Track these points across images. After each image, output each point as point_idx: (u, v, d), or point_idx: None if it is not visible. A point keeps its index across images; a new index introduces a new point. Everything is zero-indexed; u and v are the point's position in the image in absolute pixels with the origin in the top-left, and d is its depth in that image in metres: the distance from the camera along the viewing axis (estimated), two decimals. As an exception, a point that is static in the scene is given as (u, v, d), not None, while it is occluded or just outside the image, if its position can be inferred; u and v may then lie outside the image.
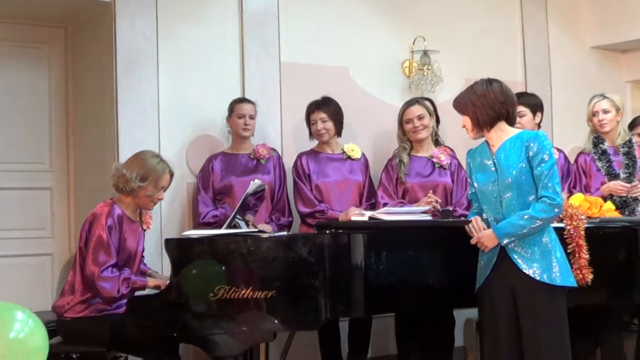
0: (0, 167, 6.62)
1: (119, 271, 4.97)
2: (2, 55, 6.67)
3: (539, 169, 4.47)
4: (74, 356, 4.96)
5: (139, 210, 5.27)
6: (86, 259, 4.94)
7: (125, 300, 4.94)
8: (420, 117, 6.15)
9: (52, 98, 6.85)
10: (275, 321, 4.64)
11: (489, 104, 4.55)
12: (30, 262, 6.66)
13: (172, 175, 5.27)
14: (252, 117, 6.23)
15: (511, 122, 4.70)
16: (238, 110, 6.21)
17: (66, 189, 6.85)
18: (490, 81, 4.63)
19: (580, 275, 4.85)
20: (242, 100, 6.28)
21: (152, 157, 5.21)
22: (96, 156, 6.46)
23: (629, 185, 6.12)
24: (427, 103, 6.29)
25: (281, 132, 6.72)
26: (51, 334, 5.36)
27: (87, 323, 4.98)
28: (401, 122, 6.24)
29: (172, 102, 6.33)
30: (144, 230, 5.33)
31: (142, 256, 5.45)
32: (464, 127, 4.72)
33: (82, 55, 6.80)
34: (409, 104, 6.25)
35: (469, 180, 4.98)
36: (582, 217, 5.08)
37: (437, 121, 6.37)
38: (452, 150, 6.39)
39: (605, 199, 5.92)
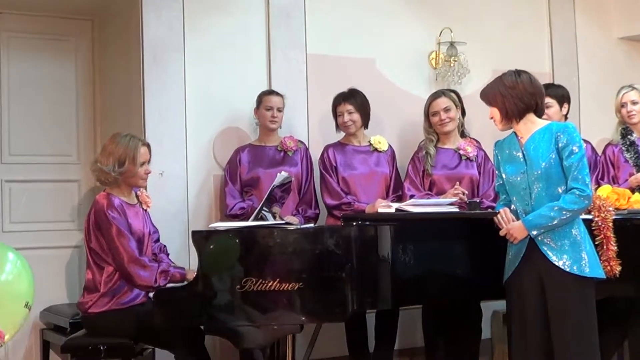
0: (29, 159, 6.65)
1: (156, 262, 5.00)
2: (30, 48, 6.69)
3: (568, 160, 4.46)
4: (101, 348, 4.98)
5: (133, 193, 5.28)
6: (117, 256, 4.95)
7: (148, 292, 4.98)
8: (446, 110, 6.13)
9: (79, 90, 6.87)
10: (302, 313, 4.64)
11: (518, 95, 4.54)
12: (59, 255, 6.68)
13: (148, 146, 5.27)
14: (279, 110, 6.22)
15: (539, 114, 4.68)
16: (266, 102, 6.21)
17: (93, 182, 6.86)
18: (519, 72, 4.62)
19: (609, 267, 4.82)
20: (271, 92, 6.28)
21: (121, 139, 5.20)
22: (123, 148, 6.48)
23: (657, 176, 6.09)
24: (453, 95, 6.27)
25: (307, 124, 6.71)
26: (79, 325, 5.42)
27: (112, 316, 5.00)
28: (427, 114, 6.22)
29: (198, 94, 6.34)
30: (146, 211, 5.33)
31: (163, 247, 5.47)
32: (491, 118, 4.71)
33: (109, 47, 6.82)
34: (435, 96, 6.23)
35: (496, 172, 4.97)
36: (610, 208, 5.04)
37: (463, 113, 6.34)
38: (477, 142, 6.37)
39: (633, 190, 5.88)
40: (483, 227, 4.82)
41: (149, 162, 5.28)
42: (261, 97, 6.23)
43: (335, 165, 6.22)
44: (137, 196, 5.32)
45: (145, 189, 5.41)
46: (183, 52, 6.30)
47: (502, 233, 4.65)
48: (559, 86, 6.55)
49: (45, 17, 6.71)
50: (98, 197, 5.15)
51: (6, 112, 6.58)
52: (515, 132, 4.69)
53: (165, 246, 5.53)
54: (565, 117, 6.33)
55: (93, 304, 5.03)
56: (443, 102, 6.15)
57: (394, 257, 4.82)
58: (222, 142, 6.41)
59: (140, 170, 5.16)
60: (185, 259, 5.80)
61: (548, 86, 6.30)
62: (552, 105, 6.20)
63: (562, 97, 6.36)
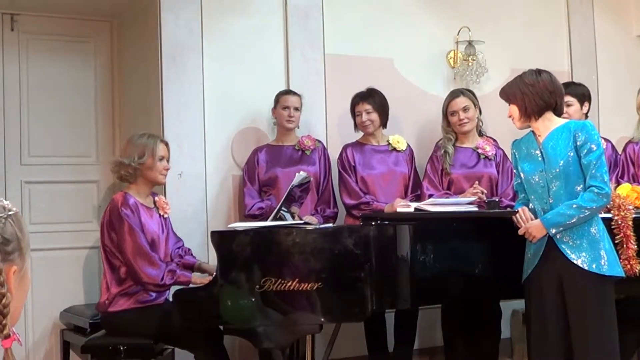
0: (48, 160, 6.67)
1: (165, 262, 5.02)
2: (49, 50, 6.71)
3: (587, 158, 4.46)
4: (121, 348, 5.00)
5: (152, 197, 5.31)
6: (125, 251, 4.98)
7: (167, 291, 4.99)
8: (465, 109, 6.11)
9: (98, 92, 6.89)
10: (321, 313, 4.64)
11: (538, 93, 4.54)
12: (79, 255, 6.70)
13: (166, 144, 5.39)
14: (297, 109, 6.23)
15: (558, 113, 4.68)
16: (283, 101, 6.21)
17: (112, 182, 6.89)
18: (539, 71, 4.63)
19: (628, 266, 4.81)
20: (288, 92, 6.28)
21: (139, 137, 5.35)
22: (142, 149, 6.50)
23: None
24: (471, 94, 6.26)
25: (326, 124, 6.71)
26: (99, 326, 5.44)
27: (131, 315, 5.02)
28: (446, 113, 6.21)
29: (216, 95, 6.35)
30: (162, 217, 5.35)
31: (188, 250, 5.49)
32: (510, 116, 4.71)
33: (128, 48, 6.84)
34: (453, 95, 6.21)
35: (514, 170, 4.96)
36: (630, 207, 5.04)
37: (479, 111, 6.34)
38: (495, 140, 6.36)
39: (653, 188, 5.86)
40: (502, 226, 4.82)
41: (167, 160, 5.35)
42: (278, 97, 6.24)
43: (353, 164, 6.22)
44: (154, 202, 5.34)
45: (165, 195, 5.44)
46: (201, 53, 6.31)
47: (520, 232, 4.65)
48: (580, 85, 6.52)
49: (64, 18, 6.74)
50: (115, 195, 5.22)
51: (25, 113, 6.61)
52: (533, 131, 4.69)
53: (189, 249, 5.57)
54: (586, 115, 6.30)
55: (110, 303, 5.06)
56: (462, 101, 6.14)
57: (413, 256, 4.81)
58: (241, 143, 6.42)
59: (159, 164, 5.23)
60: (204, 259, 5.80)
61: (569, 85, 6.29)
62: (572, 103, 6.17)
63: (583, 95, 6.33)
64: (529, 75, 4.61)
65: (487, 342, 5.96)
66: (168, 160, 5.38)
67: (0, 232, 1.80)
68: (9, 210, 1.86)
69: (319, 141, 6.42)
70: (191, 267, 5.41)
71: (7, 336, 1.78)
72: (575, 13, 7.87)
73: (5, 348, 1.78)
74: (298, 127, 6.34)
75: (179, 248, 5.49)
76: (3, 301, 1.77)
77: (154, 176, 5.26)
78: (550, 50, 7.66)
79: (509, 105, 4.68)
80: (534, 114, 4.58)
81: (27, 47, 6.65)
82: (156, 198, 5.37)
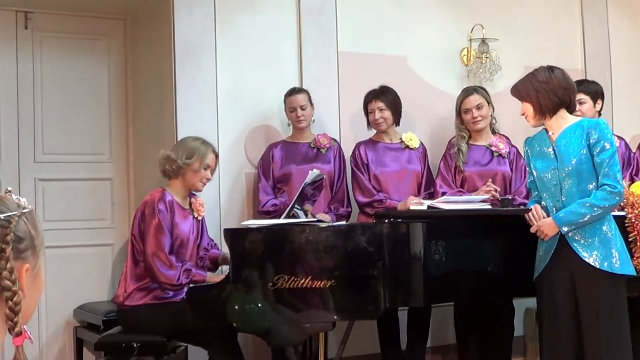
0: (62, 158, 6.68)
1: (181, 262, 5.03)
2: (63, 48, 6.73)
3: (599, 157, 4.46)
4: (134, 345, 5.01)
5: (189, 199, 5.33)
6: (146, 246, 5.00)
7: (184, 289, 5.00)
8: (479, 107, 6.10)
9: (111, 89, 6.90)
10: (335, 310, 4.65)
11: (552, 90, 4.53)
12: (92, 252, 6.72)
13: (217, 155, 5.42)
14: (303, 108, 6.19)
15: (571, 110, 4.68)
16: (289, 103, 6.21)
17: (126, 180, 6.90)
18: (551, 68, 4.62)
19: (641, 264, 4.81)
20: (292, 92, 6.24)
21: (195, 139, 5.40)
22: (155, 147, 6.48)
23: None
24: (484, 92, 6.25)
25: (339, 121, 6.70)
26: (112, 323, 5.46)
27: (146, 311, 5.03)
28: (459, 111, 6.20)
29: (230, 92, 6.35)
30: (195, 218, 5.37)
31: (214, 243, 5.51)
32: (523, 114, 4.70)
33: (141, 46, 6.85)
34: (467, 93, 6.20)
35: (527, 168, 4.96)
36: (644, 205, 5.02)
37: (492, 109, 6.32)
38: (508, 138, 6.35)
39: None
40: (515, 223, 4.81)
41: (212, 171, 5.38)
42: (285, 99, 6.23)
43: (366, 162, 6.21)
44: (190, 203, 5.36)
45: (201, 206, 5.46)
46: (214, 51, 6.31)
47: (533, 230, 4.65)
48: (593, 82, 6.50)
49: (77, 16, 6.75)
50: (153, 191, 5.24)
51: (39, 111, 6.62)
52: (545, 128, 4.68)
53: (215, 243, 5.61)
54: (599, 113, 6.28)
55: (129, 296, 5.08)
56: (475, 99, 6.12)
57: (426, 254, 4.81)
58: (254, 140, 6.42)
59: (202, 172, 5.26)
60: (217, 256, 5.81)
61: (582, 82, 6.27)
62: (585, 101, 6.15)
63: (596, 93, 6.31)
64: (542, 73, 4.60)
65: (500, 340, 5.95)
66: (212, 172, 5.41)
67: (13, 230, 1.79)
68: (24, 208, 1.85)
69: (335, 140, 6.41)
70: (216, 259, 5.43)
71: (19, 334, 1.79)
72: (589, 10, 7.84)
73: (17, 346, 1.79)
74: (314, 121, 6.34)
75: (207, 244, 5.51)
76: (14, 299, 1.78)
77: (193, 181, 5.28)
78: (564, 47, 7.64)
79: (522, 103, 4.67)
80: (549, 112, 4.58)
81: (41, 45, 6.66)
82: (192, 199, 5.39)
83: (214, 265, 5.44)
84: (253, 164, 6.36)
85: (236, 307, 4.66)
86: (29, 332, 1.82)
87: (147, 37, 6.76)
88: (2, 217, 1.80)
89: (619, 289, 4.52)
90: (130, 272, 5.13)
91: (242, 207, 6.39)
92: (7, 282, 1.77)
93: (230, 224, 6.00)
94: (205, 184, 5.38)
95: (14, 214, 1.82)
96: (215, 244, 5.59)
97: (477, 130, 6.16)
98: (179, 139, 6.02)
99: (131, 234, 5.20)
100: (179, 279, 4.98)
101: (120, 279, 5.25)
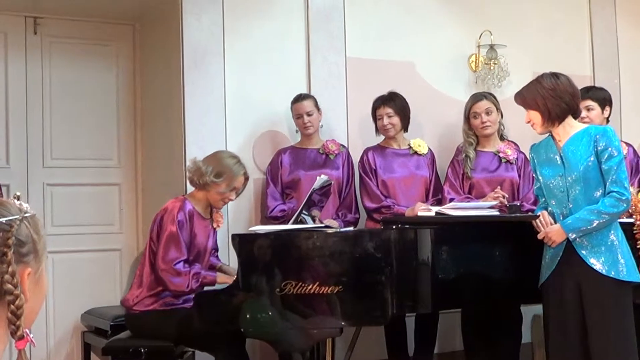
0: (70, 163, 6.70)
1: (189, 266, 5.03)
2: (72, 53, 6.74)
3: (607, 164, 4.45)
4: (142, 350, 5.01)
5: (209, 208, 5.33)
6: (157, 253, 5.01)
7: (193, 295, 5.00)
8: (488, 112, 6.10)
9: (120, 95, 6.92)
10: (342, 316, 4.64)
11: (560, 97, 4.52)
12: (100, 258, 6.73)
13: (247, 179, 5.39)
14: (309, 114, 6.18)
15: (575, 117, 4.68)
16: (295, 110, 6.21)
17: (134, 185, 6.92)
18: (556, 74, 4.61)
19: (649, 271, 4.79)
20: (298, 99, 6.23)
21: (230, 157, 5.36)
22: (163, 152, 6.52)
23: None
24: (493, 98, 6.25)
25: (347, 127, 6.70)
26: (120, 328, 5.46)
27: (155, 317, 5.04)
28: (468, 116, 6.19)
29: (238, 98, 6.35)
30: (214, 229, 5.38)
31: (215, 250, 5.51)
32: (528, 122, 4.69)
33: (150, 52, 6.87)
34: (477, 98, 6.19)
35: (533, 174, 4.96)
36: (652, 212, 5.02)
37: (501, 115, 6.32)
38: (516, 144, 6.34)
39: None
40: (523, 230, 4.80)
41: (238, 193, 5.38)
42: (291, 106, 6.24)
43: (374, 168, 6.21)
44: (211, 212, 5.37)
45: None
46: (223, 57, 6.32)
47: (540, 236, 4.65)
48: (601, 89, 6.49)
49: (86, 22, 6.77)
50: (174, 198, 5.27)
51: (48, 116, 6.64)
52: (551, 135, 4.67)
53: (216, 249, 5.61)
54: (607, 120, 6.27)
55: (139, 301, 5.09)
56: (484, 104, 6.12)
57: (434, 260, 4.81)
58: (262, 146, 6.42)
59: (227, 193, 5.24)
60: (225, 262, 5.81)
61: (590, 89, 6.27)
62: (593, 108, 6.14)
63: (604, 100, 6.30)
64: (547, 79, 4.59)
65: (507, 346, 5.94)
66: (238, 195, 5.41)
67: (15, 234, 1.80)
68: (25, 212, 1.86)
69: (344, 146, 6.42)
70: (212, 269, 5.43)
71: (21, 338, 1.79)
72: (598, 17, 7.83)
73: (19, 349, 1.80)
74: (322, 127, 6.34)
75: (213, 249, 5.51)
76: (17, 303, 1.78)
77: (215, 199, 5.28)
78: (572, 54, 7.63)
79: (528, 111, 4.66)
80: (558, 118, 4.56)
81: (49, 50, 6.68)
82: (214, 209, 5.40)
83: None
84: (261, 169, 6.36)
85: (244, 312, 4.66)
86: (31, 336, 1.83)
87: (155, 42, 6.77)
88: (4, 221, 1.81)
89: (625, 296, 4.51)
90: (146, 277, 5.13)
91: (249, 213, 6.39)
92: (9, 286, 1.78)
93: (238, 229, 6.00)
94: (226, 204, 5.40)
95: (16, 218, 1.82)
96: (214, 252, 5.59)
97: (485, 135, 6.15)
98: (187, 144, 6.05)
99: (149, 239, 5.21)
100: (188, 285, 4.99)
101: (133, 282, 5.25)
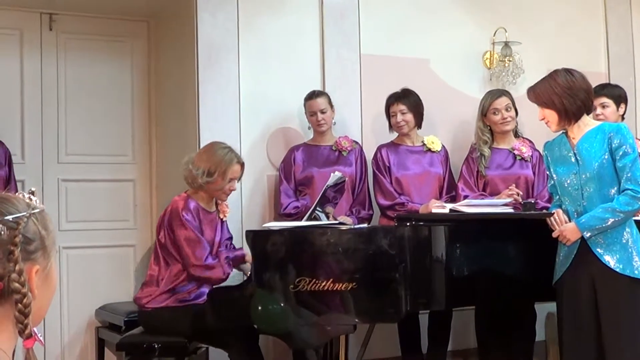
0: (85, 159, 6.71)
1: (215, 257, 5.06)
2: (86, 49, 6.75)
3: (622, 161, 4.44)
4: (155, 346, 5.02)
5: (214, 200, 5.33)
6: (186, 259, 5.02)
7: (205, 290, 5.02)
8: (507, 109, 6.08)
9: (134, 91, 6.93)
10: (355, 313, 4.65)
11: (575, 94, 4.50)
12: (114, 253, 6.74)
13: (242, 165, 5.34)
14: (323, 112, 6.17)
15: (588, 113, 4.66)
16: (309, 107, 6.20)
17: (148, 181, 6.93)
18: (569, 71, 4.59)
19: (663, 269, 4.78)
20: (311, 96, 6.22)
21: (220, 149, 5.30)
22: (178, 148, 6.52)
23: None
24: (510, 95, 6.23)
25: (361, 124, 6.69)
26: (134, 324, 5.48)
27: (168, 313, 5.05)
28: (486, 112, 6.15)
29: (252, 95, 6.36)
30: (221, 220, 5.38)
31: (229, 239, 5.51)
32: (542, 119, 4.67)
33: (164, 48, 6.87)
34: (497, 94, 6.16)
35: (547, 172, 4.95)
36: (668, 209, 4.99)
37: (516, 112, 6.31)
38: (531, 142, 6.33)
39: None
40: (537, 227, 4.79)
41: (238, 179, 5.37)
42: (304, 103, 6.23)
43: (388, 165, 6.21)
44: (216, 204, 5.37)
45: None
46: (237, 53, 6.32)
47: (555, 234, 4.64)
48: (616, 86, 6.47)
49: (101, 18, 6.78)
50: (177, 197, 5.24)
51: (63, 112, 6.66)
52: (565, 133, 4.66)
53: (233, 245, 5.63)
54: (622, 117, 6.25)
55: (152, 299, 5.10)
56: (505, 100, 6.10)
57: (448, 257, 4.81)
58: (276, 142, 6.42)
59: (226, 185, 5.23)
60: (238, 258, 5.82)
61: (605, 86, 6.26)
62: (608, 105, 6.13)
63: (619, 97, 6.28)
64: (562, 76, 4.56)
65: (521, 344, 5.93)
66: (239, 180, 5.40)
67: (22, 232, 1.78)
68: (33, 208, 1.84)
69: (356, 142, 6.41)
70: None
71: (29, 336, 1.78)
72: (612, 13, 7.80)
73: (27, 348, 1.78)
74: (335, 124, 6.33)
75: (227, 239, 5.50)
76: (24, 301, 1.77)
77: (217, 195, 5.29)
78: (587, 51, 7.61)
79: (542, 108, 4.63)
80: (575, 116, 4.54)
81: (64, 46, 6.70)
82: (218, 201, 5.40)
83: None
84: (275, 166, 6.36)
85: (257, 308, 4.67)
86: (39, 335, 1.82)
87: (170, 39, 6.78)
88: (11, 219, 1.79)
89: (639, 294, 4.50)
90: (158, 275, 5.14)
91: (263, 209, 6.40)
92: (17, 285, 1.77)
93: (252, 225, 6.01)
94: (229, 194, 5.38)
95: (22, 215, 1.81)
96: (231, 242, 5.59)
97: (504, 131, 6.13)
98: (201, 140, 6.04)
99: (157, 240, 5.21)
100: (224, 272, 5.04)
101: (146, 280, 5.25)
